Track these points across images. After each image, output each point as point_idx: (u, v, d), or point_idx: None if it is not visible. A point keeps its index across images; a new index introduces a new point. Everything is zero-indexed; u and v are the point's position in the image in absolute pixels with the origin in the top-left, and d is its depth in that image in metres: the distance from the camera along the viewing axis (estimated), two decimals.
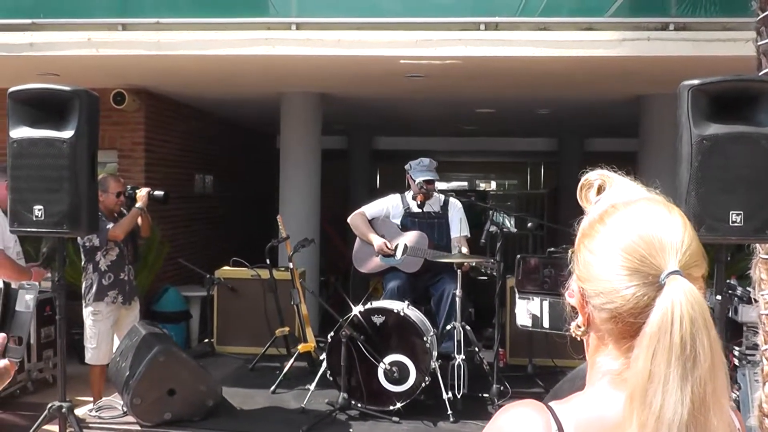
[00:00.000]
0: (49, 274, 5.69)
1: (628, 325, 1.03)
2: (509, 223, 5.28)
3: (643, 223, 1.06)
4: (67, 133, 4.14)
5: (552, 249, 4.79)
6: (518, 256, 5.17)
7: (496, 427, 1.11)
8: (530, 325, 5.05)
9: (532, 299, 4.91)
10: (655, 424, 0.95)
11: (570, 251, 1.17)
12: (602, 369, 1.10)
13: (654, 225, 1.05)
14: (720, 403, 0.98)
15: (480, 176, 20.11)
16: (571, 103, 9.61)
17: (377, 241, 5.96)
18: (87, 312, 5.57)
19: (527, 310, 4.94)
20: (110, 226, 5.48)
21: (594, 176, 1.18)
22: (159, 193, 5.77)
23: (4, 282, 1.74)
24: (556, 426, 1.06)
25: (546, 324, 4.87)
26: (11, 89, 4.24)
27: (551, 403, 1.11)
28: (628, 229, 1.06)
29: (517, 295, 5.03)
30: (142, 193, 5.64)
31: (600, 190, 1.16)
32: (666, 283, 1.00)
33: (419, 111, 10.76)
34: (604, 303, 1.06)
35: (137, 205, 5.57)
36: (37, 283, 1.79)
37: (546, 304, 4.83)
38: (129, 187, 5.78)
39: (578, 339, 1.17)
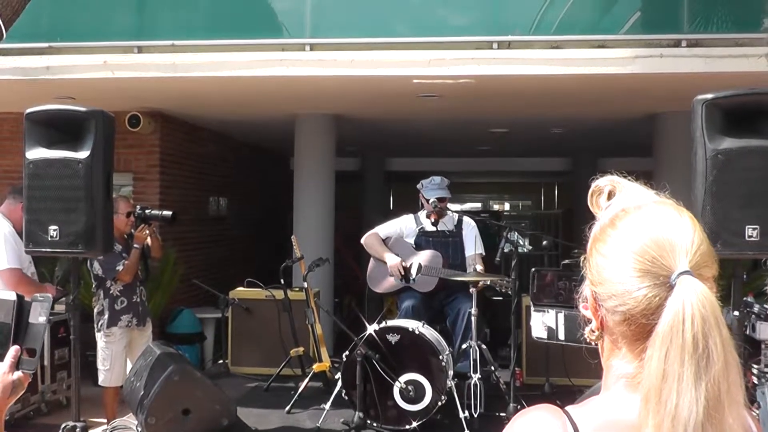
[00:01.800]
0: (64, 297, 5.69)
1: (641, 327, 1.04)
2: (523, 243, 5.26)
3: (654, 226, 1.07)
4: (83, 154, 4.16)
5: (566, 261, 4.77)
6: (533, 269, 5.16)
7: (512, 431, 1.11)
8: (546, 337, 5.03)
9: (548, 312, 4.88)
10: (670, 423, 0.95)
11: (582, 257, 1.18)
12: (617, 372, 1.11)
13: (664, 227, 1.06)
14: (735, 401, 0.98)
15: (494, 197, 20.07)
16: (584, 122, 9.59)
17: (392, 260, 5.95)
18: (99, 335, 5.56)
19: (543, 322, 4.91)
20: (119, 266, 5.45)
21: (604, 182, 1.19)
22: (167, 213, 5.75)
23: (17, 294, 1.74)
24: (573, 429, 1.06)
25: (561, 336, 4.84)
26: (28, 110, 4.28)
27: (567, 407, 1.11)
28: (638, 231, 1.07)
29: (532, 308, 5.02)
30: (139, 235, 5.57)
31: (610, 195, 1.18)
32: (677, 284, 1.00)
33: (432, 132, 10.77)
34: (616, 305, 1.06)
35: (135, 245, 5.52)
36: (50, 295, 1.78)
37: (561, 316, 4.81)
38: (138, 207, 5.77)
39: (593, 344, 1.17)
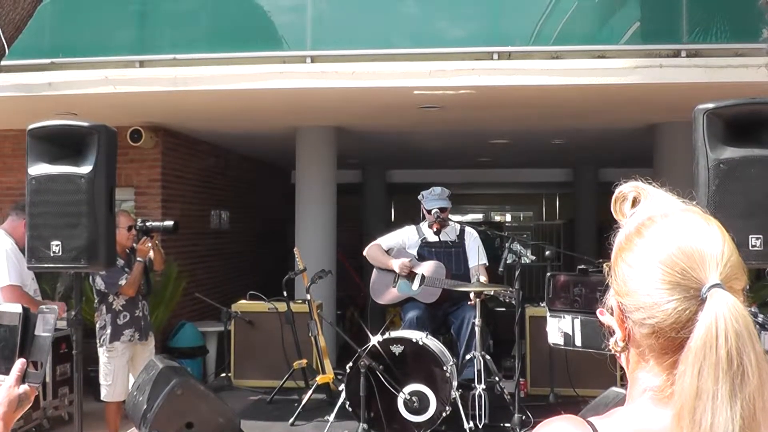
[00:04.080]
0: (65, 314, 5.68)
1: (670, 341, 1.01)
2: (526, 253, 5.24)
3: (682, 235, 1.03)
4: (86, 169, 4.15)
5: (582, 266, 4.72)
6: (548, 273, 5.14)
7: None
8: (562, 343, 4.99)
9: (564, 317, 4.85)
10: None
11: (606, 265, 1.15)
12: (643, 385, 1.07)
13: (693, 237, 1.03)
14: None
15: (495, 208, 20.08)
16: (585, 133, 9.60)
17: (398, 262, 5.94)
18: (102, 350, 5.54)
19: (559, 328, 4.88)
20: (122, 281, 5.46)
21: (628, 188, 1.15)
22: (168, 223, 5.73)
23: (23, 307, 1.74)
24: None
25: (578, 342, 4.80)
26: (30, 126, 4.28)
27: (591, 418, 1.08)
28: (667, 241, 1.04)
29: (548, 314, 5.01)
30: (141, 248, 5.55)
31: (635, 202, 1.14)
32: (708, 297, 0.97)
33: (433, 143, 10.79)
34: (644, 318, 1.03)
35: (138, 258, 5.52)
36: (56, 306, 1.78)
37: (578, 322, 4.77)
38: (140, 220, 5.76)
39: (617, 355, 1.14)
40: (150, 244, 5.54)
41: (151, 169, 8.77)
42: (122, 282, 5.41)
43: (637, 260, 1.06)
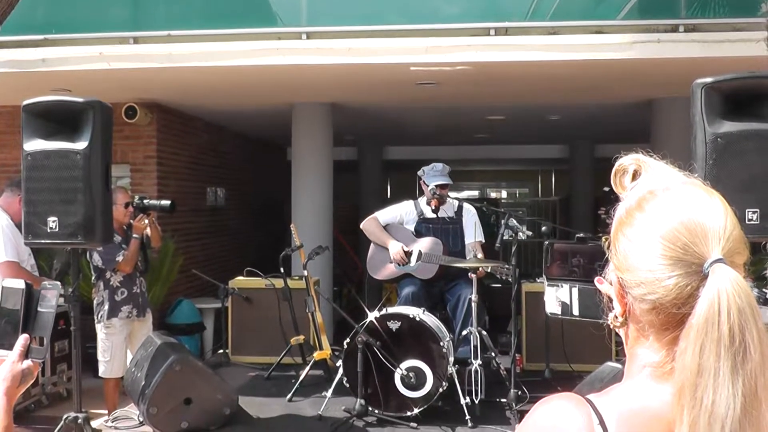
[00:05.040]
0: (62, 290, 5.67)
1: (671, 316, 1.00)
2: (523, 229, 5.24)
3: (684, 209, 1.02)
4: (81, 144, 4.14)
5: (581, 234, 4.70)
6: (546, 242, 5.12)
7: (533, 421, 1.07)
8: (560, 312, 5.00)
9: (562, 286, 4.83)
10: (707, 420, 0.92)
11: (605, 239, 1.13)
12: (642, 361, 1.06)
13: (695, 211, 1.01)
14: None
15: (491, 185, 20.08)
16: (581, 109, 9.59)
17: (394, 247, 5.94)
18: (99, 326, 5.55)
19: (556, 297, 4.87)
20: (119, 257, 5.46)
21: (628, 161, 1.12)
22: (165, 202, 5.71)
23: (26, 282, 1.73)
24: (598, 419, 1.02)
25: (576, 312, 4.79)
26: (25, 102, 4.26)
27: (590, 396, 1.07)
28: (668, 215, 1.02)
29: (545, 283, 4.99)
30: (137, 225, 5.50)
31: (635, 175, 1.11)
32: (710, 273, 0.96)
33: (429, 120, 10.77)
34: (645, 294, 1.02)
35: (134, 235, 5.50)
36: (59, 283, 1.78)
37: (575, 291, 4.76)
38: (137, 196, 5.74)
39: (616, 330, 1.13)
40: (147, 221, 5.53)
41: (146, 146, 8.75)
42: (119, 258, 5.41)
43: (638, 235, 1.04)
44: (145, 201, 5.61)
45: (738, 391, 0.92)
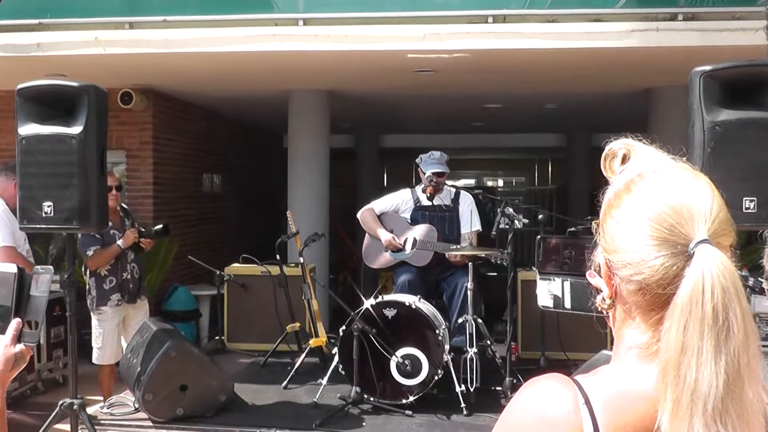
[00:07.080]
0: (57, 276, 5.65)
1: (657, 297, 1.01)
2: (519, 217, 5.25)
3: (671, 191, 1.03)
4: (76, 129, 4.12)
5: (572, 229, 4.72)
6: (538, 236, 5.13)
7: (520, 400, 1.08)
8: (552, 305, 5.02)
9: (554, 280, 4.86)
10: (690, 398, 0.93)
11: (594, 222, 1.14)
12: (629, 343, 1.07)
13: (682, 193, 1.02)
14: (755, 374, 0.95)
15: (487, 173, 20.03)
16: (579, 98, 9.57)
17: (385, 236, 5.95)
18: (92, 313, 5.53)
19: (548, 290, 4.89)
20: (90, 251, 5.38)
21: (618, 145, 1.14)
22: (158, 227, 5.72)
23: (18, 267, 1.72)
24: (584, 399, 1.03)
25: (568, 304, 4.83)
26: (20, 86, 4.24)
27: (577, 377, 1.08)
28: (655, 197, 1.03)
29: (538, 276, 5.01)
30: (128, 236, 5.46)
31: (624, 159, 1.13)
32: (695, 253, 0.97)
33: (426, 108, 10.74)
34: (631, 274, 1.03)
35: (119, 243, 5.43)
36: (51, 267, 1.77)
37: (567, 284, 4.78)
38: (140, 225, 5.74)
39: (603, 313, 1.14)
40: (135, 235, 5.47)
41: (142, 132, 8.71)
42: (89, 252, 5.36)
43: (626, 216, 1.06)
44: (143, 230, 5.59)
45: (721, 369, 0.93)
